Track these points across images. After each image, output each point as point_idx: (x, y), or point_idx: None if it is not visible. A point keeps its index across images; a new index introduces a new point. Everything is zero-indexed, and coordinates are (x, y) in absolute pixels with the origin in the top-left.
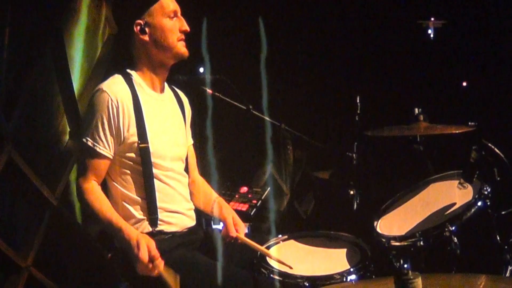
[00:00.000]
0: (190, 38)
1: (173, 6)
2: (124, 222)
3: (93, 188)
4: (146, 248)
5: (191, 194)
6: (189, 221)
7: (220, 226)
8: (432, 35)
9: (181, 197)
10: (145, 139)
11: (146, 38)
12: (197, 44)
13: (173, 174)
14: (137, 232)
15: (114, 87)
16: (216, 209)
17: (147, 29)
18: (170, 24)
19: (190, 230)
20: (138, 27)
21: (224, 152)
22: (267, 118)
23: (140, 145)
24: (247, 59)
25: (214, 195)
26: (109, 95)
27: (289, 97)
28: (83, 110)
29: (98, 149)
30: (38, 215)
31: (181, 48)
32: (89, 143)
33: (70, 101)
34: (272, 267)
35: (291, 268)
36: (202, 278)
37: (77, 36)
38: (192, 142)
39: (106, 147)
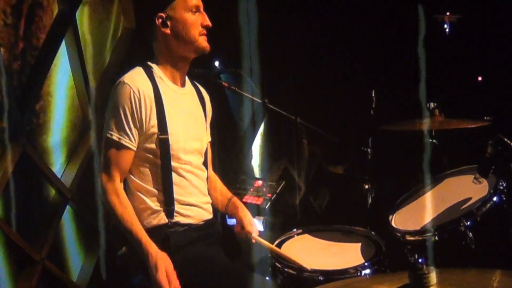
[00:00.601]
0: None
1: (196, 1)
2: (145, 235)
3: (117, 189)
4: (165, 271)
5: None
6: (206, 214)
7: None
8: (447, 30)
9: (197, 190)
10: (165, 130)
11: (168, 31)
12: (214, 37)
13: (191, 167)
14: (156, 250)
15: (136, 79)
16: (232, 209)
17: (168, 22)
18: (192, 18)
19: (207, 223)
20: (160, 20)
21: (238, 146)
22: (282, 112)
23: (160, 136)
24: (263, 53)
25: (229, 194)
26: (131, 87)
27: (305, 91)
28: (98, 103)
29: (124, 142)
30: (52, 208)
31: (203, 42)
32: (114, 137)
33: (85, 95)
34: (288, 261)
35: (307, 269)
36: (219, 276)
37: (90, 29)
38: (209, 139)
39: (132, 140)
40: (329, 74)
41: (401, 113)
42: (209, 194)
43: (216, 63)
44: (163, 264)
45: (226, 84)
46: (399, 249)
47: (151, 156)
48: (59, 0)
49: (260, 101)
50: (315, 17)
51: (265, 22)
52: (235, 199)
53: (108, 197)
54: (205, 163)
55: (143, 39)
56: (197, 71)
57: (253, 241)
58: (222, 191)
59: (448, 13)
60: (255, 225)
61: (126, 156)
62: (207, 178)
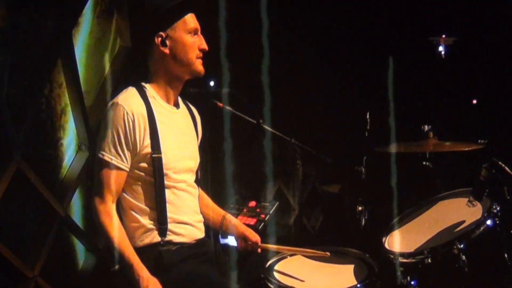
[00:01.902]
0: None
1: (194, 23)
2: (137, 258)
3: (109, 211)
4: None
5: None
6: (198, 233)
7: (228, 241)
8: (443, 52)
9: (190, 208)
10: (159, 149)
11: (167, 50)
12: (209, 57)
13: (184, 185)
14: (148, 274)
15: (129, 100)
16: (228, 226)
17: (168, 42)
18: (191, 40)
19: (199, 242)
20: (160, 39)
21: (233, 166)
22: (277, 133)
23: (153, 155)
24: (258, 73)
25: (222, 211)
26: (124, 109)
27: (299, 111)
28: (94, 122)
29: (116, 163)
30: (46, 226)
31: (199, 66)
32: (106, 158)
33: (80, 114)
34: (280, 282)
35: (327, 254)
36: None
37: (87, 48)
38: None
39: (124, 161)
40: (324, 96)
41: (395, 135)
42: (201, 212)
43: (211, 83)
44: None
45: (221, 104)
46: (392, 271)
47: (144, 174)
48: (55, 17)
49: (254, 122)
50: (311, 38)
51: (261, 43)
52: (230, 216)
53: (100, 218)
54: (197, 182)
55: (138, 58)
56: (192, 90)
57: (259, 250)
58: (214, 209)
59: (443, 36)
60: (257, 235)
61: (118, 177)
62: (198, 196)
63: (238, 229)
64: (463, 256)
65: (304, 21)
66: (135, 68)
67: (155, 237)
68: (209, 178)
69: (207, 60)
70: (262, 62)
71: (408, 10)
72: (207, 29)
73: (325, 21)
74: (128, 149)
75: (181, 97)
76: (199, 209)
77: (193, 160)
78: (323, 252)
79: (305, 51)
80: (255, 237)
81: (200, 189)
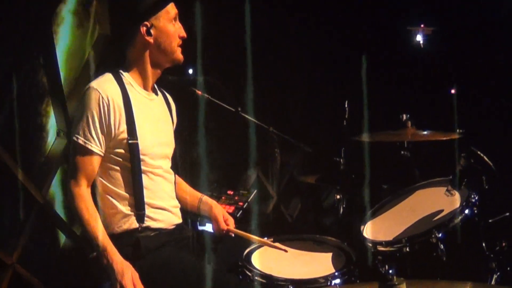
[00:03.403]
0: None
1: (175, 11)
2: (110, 242)
3: (83, 194)
4: (131, 278)
5: (176, 194)
6: (175, 219)
7: (206, 227)
8: (421, 42)
9: (167, 194)
10: (135, 135)
11: (151, 40)
12: (188, 45)
13: (160, 171)
14: (121, 258)
15: (105, 85)
16: (205, 207)
17: (153, 31)
18: (173, 29)
19: (177, 227)
20: (145, 28)
21: (211, 154)
22: (255, 121)
23: (130, 141)
24: (237, 61)
25: (199, 194)
26: (99, 93)
27: (277, 100)
28: (73, 109)
29: (89, 147)
30: (24, 213)
31: (179, 54)
32: (80, 141)
33: (59, 100)
34: (257, 269)
35: (286, 251)
36: (189, 280)
37: (65, 35)
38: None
39: (97, 145)
40: (303, 84)
41: (373, 124)
42: (178, 196)
43: (190, 71)
44: (129, 271)
45: (199, 92)
46: (370, 260)
47: (121, 160)
48: (35, 5)
49: (233, 110)
50: (290, 27)
51: (241, 31)
52: (207, 198)
53: (74, 202)
54: (172, 168)
55: (116, 46)
56: (171, 78)
57: (232, 234)
58: (191, 192)
59: (422, 25)
60: (232, 219)
61: (92, 161)
62: (174, 182)
63: (212, 210)
64: (441, 245)
65: (284, 9)
66: (113, 55)
67: (133, 223)
68: (187, 166)
69: (186, 48)
70: (241, 51)
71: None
72: (187, 16)
73: (305, 11)
74: (102, 133)
75: (156, 85)
76: (176, 195)
77: (169, 146)
78: (283, 248)
79: (285, 40)
80: (223, 224)
81: (177, 175)
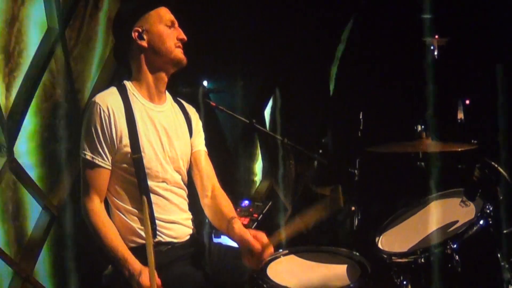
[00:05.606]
0: (195, 51)
1: (169, 16)
2: (130, 253)
3: (97, 210)
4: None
5: (206, 206)
6: (187, 230)
7: (221, 240)
8: (436, 53)
9: (176, 207)
10: (138, 150)
11: (144, 43)
12: (201, 56)
13: (167, 185)
14: (142, 266)
15: (106, 98)
16: (233, 234)
17: (145, 36)
18: (168, 31)
19: (190, 240)
20: (136, 33)
21: (226, 166)
22: (270, 132)
23: (133, 156)
24: (252, 73)
25: (230, 214)
26: (100, 106)
27: (292, 112)
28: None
29: (97, 162)
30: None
31: (179, 54)
32: (88, 157)
33: (76, 113)
34: (272, 281)
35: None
36: None
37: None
38: (204, 149)
39: (104, 159)
40: (317, 96)
41: (388, 135)
42: (209, 212)
43: (205, 83)
44: (147, 272)
45: (214, 104)
46: (385, 271)
47: (127, 175)
48: (48, 17)
49: (247, 121)
50: (305, 40)
51: (255, 42)
52: (235, 222)
53: (89, 218)
54: (184, 180)
55: (119, 58)
56: (185, 90)
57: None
58: (224, 211)
59: (437, 36)
60: (261, 233)
61: (101, 175)
62: (187, 195)
63: (242, 239)
64: (456, 256)
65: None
66: (126, 69)
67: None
68: None
69: (199, 59)
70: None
71: (403, 11)
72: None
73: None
74: (107, 146)
75: (172, 95)
76: (186, 206)
77: (181, 159)
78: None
79: (300, 52)
80: (257, 235)
81: (216, 184)
